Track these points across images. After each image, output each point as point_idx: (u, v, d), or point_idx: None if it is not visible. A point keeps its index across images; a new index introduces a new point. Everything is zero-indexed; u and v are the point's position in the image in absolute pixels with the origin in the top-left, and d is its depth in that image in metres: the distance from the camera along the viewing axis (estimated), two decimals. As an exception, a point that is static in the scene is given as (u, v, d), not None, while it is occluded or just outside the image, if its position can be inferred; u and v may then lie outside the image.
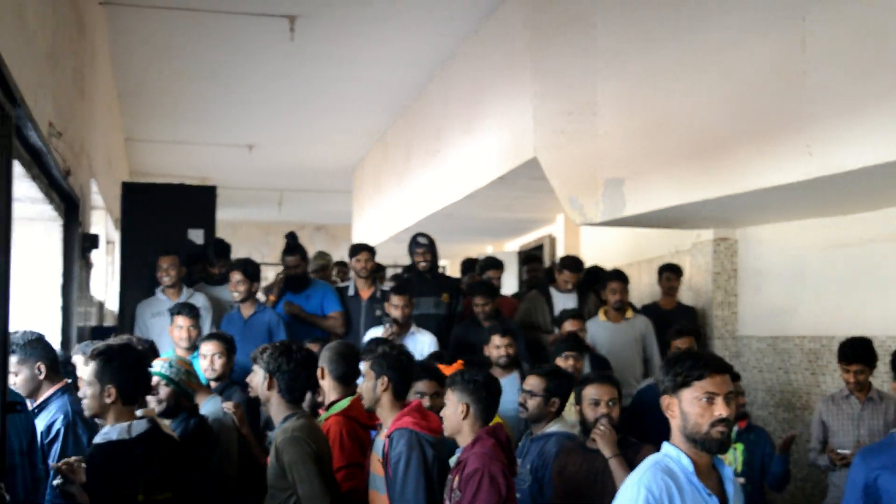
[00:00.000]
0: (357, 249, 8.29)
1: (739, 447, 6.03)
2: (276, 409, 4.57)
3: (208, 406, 5.47)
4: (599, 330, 7.77)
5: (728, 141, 5.87)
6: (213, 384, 6.04)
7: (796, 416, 7.79)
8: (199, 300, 7.81)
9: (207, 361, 6.06)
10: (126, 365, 4.15)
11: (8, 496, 3.93)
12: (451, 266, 17.29)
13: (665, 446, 3.19)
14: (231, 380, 6.23)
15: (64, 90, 5.89)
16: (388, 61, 10.51)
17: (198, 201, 8.99)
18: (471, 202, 10.44)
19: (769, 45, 5.49)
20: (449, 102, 10.70)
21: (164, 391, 4.97)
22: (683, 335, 6.70)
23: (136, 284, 8.55)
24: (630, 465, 4.44)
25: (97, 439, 4.11)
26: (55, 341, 6.29)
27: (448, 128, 10.75)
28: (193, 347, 6.65)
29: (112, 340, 4.70)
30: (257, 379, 5.44)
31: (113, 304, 10.72)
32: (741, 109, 5.78)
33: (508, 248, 14.52)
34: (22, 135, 4.45)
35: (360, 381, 5.32)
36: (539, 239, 13.05)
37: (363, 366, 5.29)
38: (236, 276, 7.55)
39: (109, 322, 10.44)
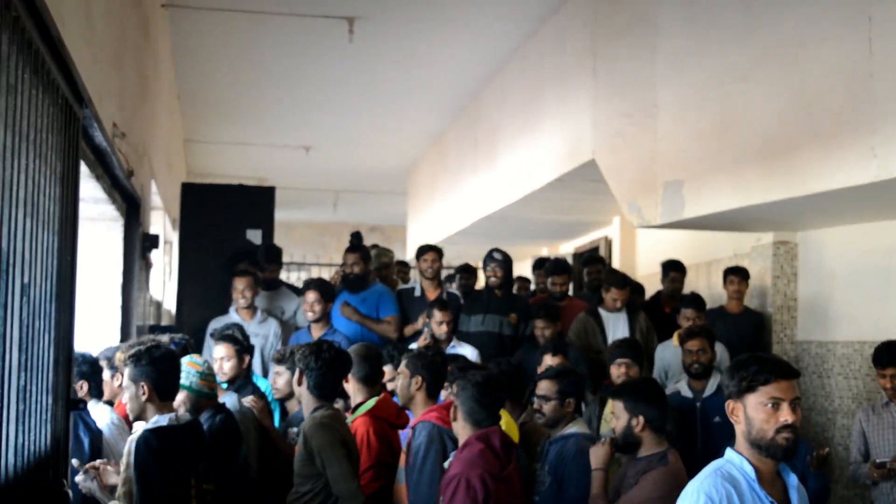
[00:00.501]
0: (424, 250, 8.25)
1: None
2: (306, 402, 4.83)
3: (225, 402, 5.49)
4: (667, 354, 7.47)
5: (791, 143, 5.79)
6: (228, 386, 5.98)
7: (856, 423, 7.66)
8: (272, 326, 7.76)
9: (217, 365, 5.92)
10: (154, 361, 4.24)
11: (70, 492, 3.99)
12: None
13: (728, 452, 3.14)
14: (248, 379, 6.15)
15: (127, 91, 5.97)
16: (445, 63, 10.53)
17: (256, 202, 8.99)
18: (527, 204, 10.41)
19: (834, 46, 5.41)
20: (506, 104, 10.69)
21: (178, 397, 5.01)
22: (694, 337, 6.56)
23: (194, 285, 8.61)
24: (631, 481, 4.44)
25: (148, 425, 4.18)
26: (115, 339, 6.38)
27: (505, 130, 10.73)
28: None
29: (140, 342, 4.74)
30: (282, 380, 5.69)
31: (170, 303, 10.84)
32: (804, 111, 5.69)
33: (563, 251, 14.45)
34: (87, 135, 4.51)
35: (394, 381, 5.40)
36: (595, 241, 12.96)
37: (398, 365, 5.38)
38: (311, 296, 7.43)
39: (166, 321, 10.54)
